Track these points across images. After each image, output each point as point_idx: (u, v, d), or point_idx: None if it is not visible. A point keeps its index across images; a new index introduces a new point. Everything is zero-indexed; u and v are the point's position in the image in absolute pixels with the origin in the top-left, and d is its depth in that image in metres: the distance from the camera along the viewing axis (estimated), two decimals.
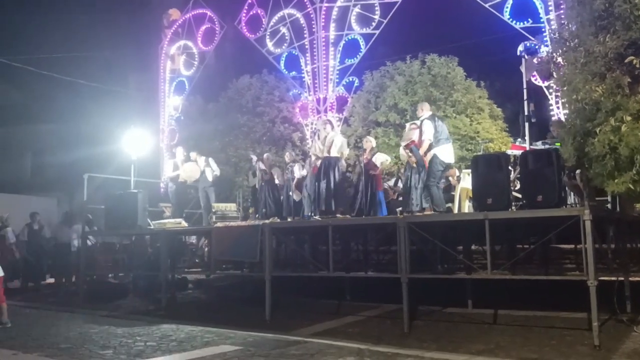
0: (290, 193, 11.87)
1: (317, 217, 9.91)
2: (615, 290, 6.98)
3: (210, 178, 12.50)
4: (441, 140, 8.84)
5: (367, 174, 10.37)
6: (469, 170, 9.11)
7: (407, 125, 10.17)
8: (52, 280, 14.30)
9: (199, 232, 11.50)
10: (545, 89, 12.34)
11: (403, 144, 9.48)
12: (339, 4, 16.08)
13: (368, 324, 8.02)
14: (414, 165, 9.05)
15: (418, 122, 9.26)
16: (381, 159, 10.53)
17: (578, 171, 7.50)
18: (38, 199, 19.66)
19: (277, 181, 12.32)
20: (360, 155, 10.85)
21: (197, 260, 12.49)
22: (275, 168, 12.49)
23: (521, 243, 9.58)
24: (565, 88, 7.68)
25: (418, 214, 8.78)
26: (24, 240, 13.80)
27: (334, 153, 9.94)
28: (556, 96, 11.74)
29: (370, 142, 10.86)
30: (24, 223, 14.05)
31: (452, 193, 10.80)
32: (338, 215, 9.72)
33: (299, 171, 11.89)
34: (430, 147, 8.74)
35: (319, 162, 10.28)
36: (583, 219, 6.10)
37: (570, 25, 7.87)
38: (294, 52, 16.94)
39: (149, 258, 11.97)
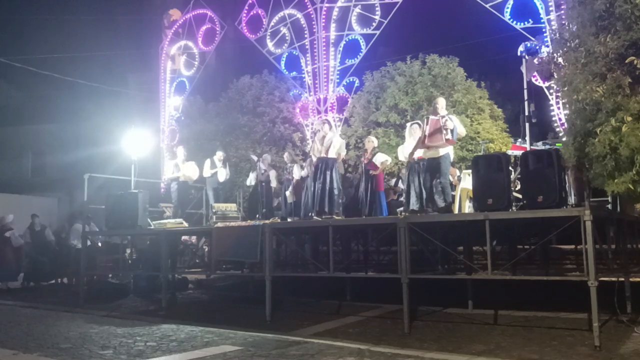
0: (287, 193, 11.84)
1: (317, 218, 9.90)
2: (616, 290, 6.98)
3: (222, 179, 12.54)
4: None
5: (367, 174, 10.35)
6: (470, 171, 9.11)
7: (408, 125, 10.11)
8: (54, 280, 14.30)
9: (200, 232, 11.49)
10: (545, 90, 12.33)
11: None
12: (339, 4, 16.08)
13: (368, 325, 8.01)
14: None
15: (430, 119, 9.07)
16: (381, 159, 10.48)
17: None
18: (38, 199, 19.72)
19: (272, 183, 12.32)
20: (361, 156, 10.82)
21: (197, 261, 12.49)
22: (271, 170, 12.51)
23: (522, 243, 9.58)
24: (565, 88, 7.70)
25: (419, 214, 8.78)
26: (27, 242, 13.82)
27: (331, 154, 9.90)
28: (557, 96, 11.73)
29: (372, 142, 10.82)
30: (23, 223, 14.06)
31: (453, 193, 10.80)
32: (333, 216, 9.69)
33: (298, 172, 11.87)
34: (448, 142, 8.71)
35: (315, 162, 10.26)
36: (583, 219, 6.09)
37: (570, 26, 7.88)
38: (294, 53, 16.94)
39: (147, 258, 12.00)
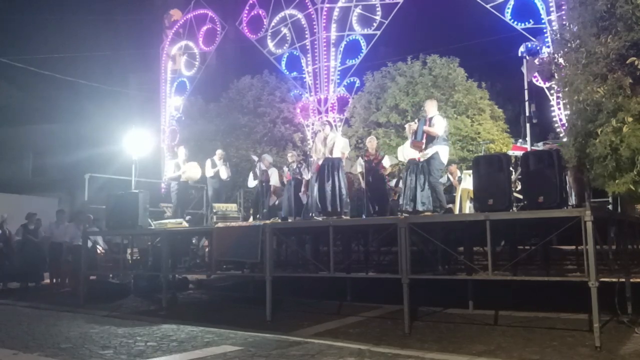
0: (300, 194, 11.81)
1: (318, 218, 9.89)
2: (617, 291, 6.97)
3: (224, 177, 12.51)
4: (444, 140, 8.84)
5: (378, 174, 10.36)
6: (470, 171, 9.11)
7: (407, 125, 10.13)
8: (47, 280, 14.29)
9: (200, 232, 11.50)
10: (546, 90, 12.33)
11: (409, 143, 9.31)
12: (340, 4, 16.09)
13: (369, 325, 8.00)
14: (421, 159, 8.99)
15: (418, 119, 9.23)
16: (390, 162, 10.59)
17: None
18: (39, 199, 19.70)
19: (271, 182, 12.31)
20: (365, 155, 10.78)
21: (197, 261, 12.49)
22: (272, 169, 12.49)
23: (522, 244, 9.58)
24: (566, 89, 7.70)
25: (426, 214, 8.77)
26: (18, 239, 13.79)
27: (336, 154, 9.90)
28: (557, 97, 11.74)
29: (374, 141, 10.87)
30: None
31: (453, 194, 10.80)
32: (344, 216, 9.69)
33: (307, 173, 11.87)
34: (432, 142, 8.73)
35: (320, 163, 10.24)
36: (584, 220, 6.08)
37: (571, 26, 7.88)
38: (295, 53, 16.95)
39: (150, 259, 12.03)
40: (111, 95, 25.47)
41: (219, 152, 12.95)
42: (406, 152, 9.55)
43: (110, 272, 12.79)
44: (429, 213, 8.79)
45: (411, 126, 9.48)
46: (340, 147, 9.95)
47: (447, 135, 8.97)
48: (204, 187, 13.54)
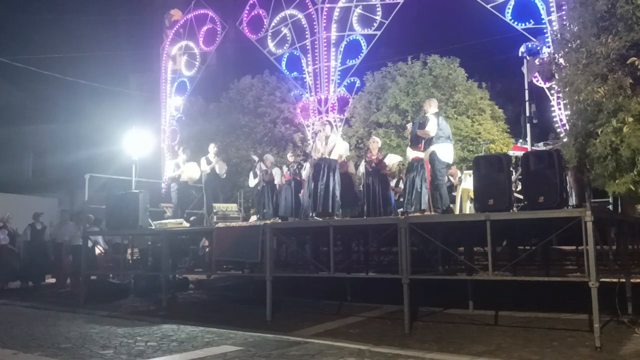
0: (301, 195, 11.78)
1: (318, 218, 9.89)
2: (617, 291, 6.97)
3: (219, 171, 12.34)
4: (442, 139, 8.70)
5: (380, 174, 10.34)
6: (470, 171, 9.10)
7: (409, 125, 10.15)
8: (53, 280, 14.32)
9: (200, 232, 11.49)
10: (547, 90, 12.31)
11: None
12: (340, 4, 16.06)
13: (369, 325, 8.01)
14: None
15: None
16: (394, 160, 10.54)
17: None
18: (39, 199, 19.72)
19: (276, 182, 12.30)
20: (366, 156, 10.76)
21: (197, 261, 12.48)
22: (275, 168, 12.47)
23: (522, 244, 9.57)
24: (567, 89, 7.69)
25: (426, 213, 8.76)
26: (26, 240, 13.81)
27: (334, 156, 9.89)
28: (558, 97, 11.71)
29: (377, 142, 10.79)
30: (25, 223, 14.06)
31: (454, 194, 10.79)
32: (335, 217, 9.68)
33: (305, 172, 11.84)
34: (430, 143, 8.72)
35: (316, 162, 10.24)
36: (584, 220, 6.08)
37: (572, 26, 7.87)
38: (295, 53, 16.93)
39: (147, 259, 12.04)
40: (111, 95, 25.48)
41: (212, 147, 12.72)
42: (409, 153, 9.55)
43: (110, 272, 12.80)
44: (428, 213, 8.78)
45: (407, 130, 9.54)
46: (340, 150, 9.96)
47: (444, 133, 8.85)
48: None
